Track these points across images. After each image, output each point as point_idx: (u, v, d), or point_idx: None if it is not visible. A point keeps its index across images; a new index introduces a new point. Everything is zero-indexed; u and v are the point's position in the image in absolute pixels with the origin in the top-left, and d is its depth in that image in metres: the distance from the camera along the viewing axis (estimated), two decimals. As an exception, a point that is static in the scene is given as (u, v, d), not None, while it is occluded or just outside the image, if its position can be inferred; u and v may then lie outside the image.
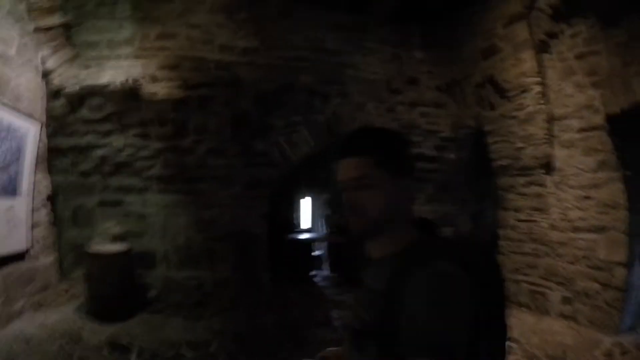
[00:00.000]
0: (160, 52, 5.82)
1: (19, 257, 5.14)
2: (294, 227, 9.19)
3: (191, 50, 5.81)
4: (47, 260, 5.75)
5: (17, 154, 5.24)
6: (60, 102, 5.75)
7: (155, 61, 5.83)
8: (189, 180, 6.01)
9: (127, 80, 5.66)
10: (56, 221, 6.06)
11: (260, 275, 6.23)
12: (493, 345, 1.15)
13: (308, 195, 10.36)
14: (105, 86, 5.65)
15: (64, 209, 6.08)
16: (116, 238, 6.00)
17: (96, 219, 6.10)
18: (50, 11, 5.37)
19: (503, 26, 5.85)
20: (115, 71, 5.76)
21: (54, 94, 5.73)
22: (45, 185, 5.87)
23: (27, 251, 5.35)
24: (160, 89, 5.71)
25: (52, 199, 6.00)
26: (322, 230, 10.02)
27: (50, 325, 4.87)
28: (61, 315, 5.23)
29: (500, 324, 1.18)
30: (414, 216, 1.30)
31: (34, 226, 5.51)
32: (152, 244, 6.06)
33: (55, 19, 5.47)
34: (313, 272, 8.46)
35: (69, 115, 5.82)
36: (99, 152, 5.95)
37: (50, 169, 5.99)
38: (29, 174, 5.46)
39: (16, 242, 5.15)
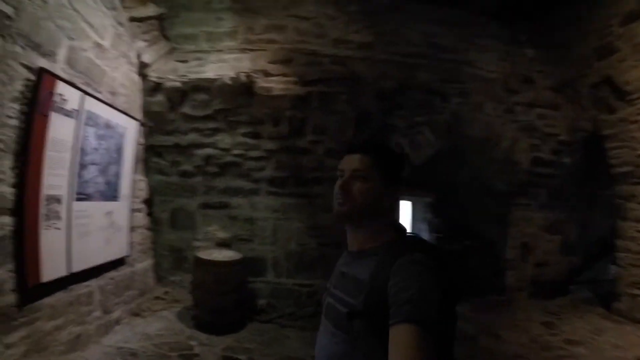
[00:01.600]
0: (269, 46, 4.47)
1: (118, 263, 4.01)
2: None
3: (303, 44, 4.48)
4: (143, 265, 4.55)
5: (116, 155, 3.88)
6: (159, 98, 4.43)
7: (264, 55, 4.45)
8: (304, 182, 4.72)
9: (237, 75, 4.30)
10: (152, 224, 4.79)
11: (373, 284, 5.15)
12: (450, 329, 1.12)
13: (408, 199, 8.39)
14: (212, 81, 4.32)
15: (161, 211, 4.80)
16: (221, 243, 4.71)
17: (198, 222, 4.82)
18: (143, 1, 4.08)
19: (620, 24, 4.58)
20: (219, 65, 4.40)
21: (151, 89, 4.41)
22: (142, 187, 4.56)
23: (125, 257, 4.18)
24: (275, 85, 4.37)
25: (148, 201, 4.73)
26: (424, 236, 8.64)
27: (154, 335, 3.85)
28: (163, 324, 4.12)
29: (454, 314, 1.15)
30: (393, 221, 1.32)
31: (131, 230, 4.23)
32: (262, 249, 4.80)
33: (149, 10, 4.15)
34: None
35: (169, 112, 4.50)
36: (203, 152, 4.65)
37: (147, 170, 4.70)
38: (128, 176, 4.11)
39: (116, 248, 3.98)
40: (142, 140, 4.47)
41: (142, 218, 4.54)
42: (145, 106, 4.43)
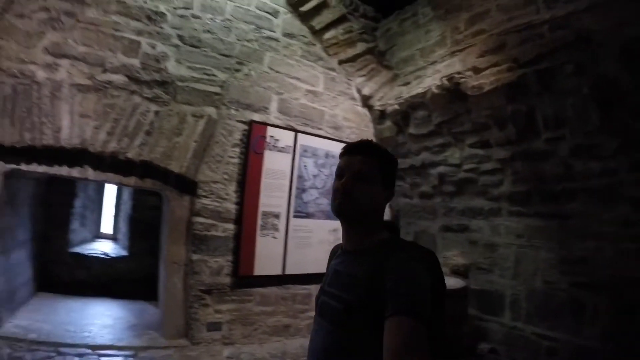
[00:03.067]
0: (476, 39, 3.83)
1: None
2: None
3: (512, 21, 3.54)
4: (382, 284, 5.03)
5: None
6: (387, 124, 4.69)
7: (473, 50, 3.85)
8: (550, 197, 3.57)
9: (441, 81, 3.94)
10: None
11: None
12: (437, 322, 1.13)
13: None
14: (422, 95, 4.14)
15: (406, 233, 4.86)
16: (458, 270, 4.24)
17: (438, 245, 4.54)
18: (349, 44, 4.57)
19: None
20: (432, 78, 4.12)
21: (378, 117, 4.76)
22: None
23: None
24: (485, 80, 3.66)
25: (392, 222, 5.26)
26: None
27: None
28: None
29: (441, 309, 1.18)
30: (386, 220, 1.36)
31: None
32: (501, 283, 3.94)
33: (357, 49, 4.59)
34: None
35: (397, 136, 4.63)
36: (437, 170, 4.41)
37: None
38: None
39: None
40: (378, 166, 4.87)
41: (382, 238, 4.83)
42: (377, 133, 4.82)
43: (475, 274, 4.18)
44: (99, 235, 6.56)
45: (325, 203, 4.47)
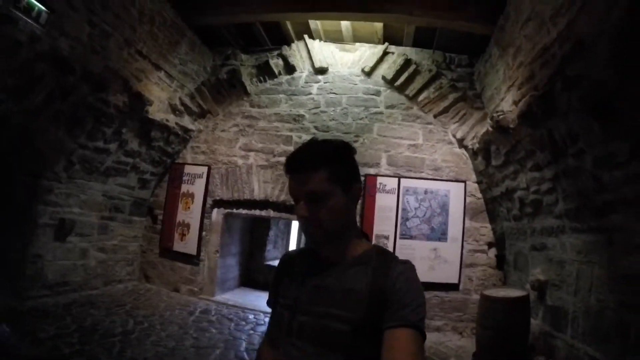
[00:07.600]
0: (519, 71, 4.40)
1: (446, 287, 5.67)
2: None
3: (534, 49, 3.99)
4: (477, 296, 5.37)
5: (440, 209, 5.72)
6: (479, 159, 5.43)
7: (516, 84, 4.43)
8: (595, 211, 3.64)
9: (489, 120, 4.70)
10: (504, 265, 5.53)
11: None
12: None
13: None
14: (486, 133, 4.95)
15: (509, 254, 5.38)
16: (534, 286, 4.62)
17: (529, 264, 4.89)
18: (440, 99, 5.84)
19: None
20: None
21: (472, 154, 5.56)
22: (483, 232, 5.61)
23: (457, 285, 5.65)
24: (514, 114, 4.31)
25: (495, 244, 5.62)
26: None
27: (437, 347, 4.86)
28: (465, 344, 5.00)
29: None
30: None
31: (467, 266, 5.55)
32: (566, 299, 4.13)
33: (447, 101, 5.78)
34: None
35: (487, 168, 5.32)
36: (517, 195, 4.90)
37: (495, 218, 5.62)
38: (457, 224, 5.69)
39: (442, 275, 5.70)
40: (479, 195, 5.81)
41: (485, 258, 5.64)
42: (475, 168, 5.66)
43: (551, 291, 4.42)
44: (286, 255, 9.78)
45: (426, 228, 5.74)
